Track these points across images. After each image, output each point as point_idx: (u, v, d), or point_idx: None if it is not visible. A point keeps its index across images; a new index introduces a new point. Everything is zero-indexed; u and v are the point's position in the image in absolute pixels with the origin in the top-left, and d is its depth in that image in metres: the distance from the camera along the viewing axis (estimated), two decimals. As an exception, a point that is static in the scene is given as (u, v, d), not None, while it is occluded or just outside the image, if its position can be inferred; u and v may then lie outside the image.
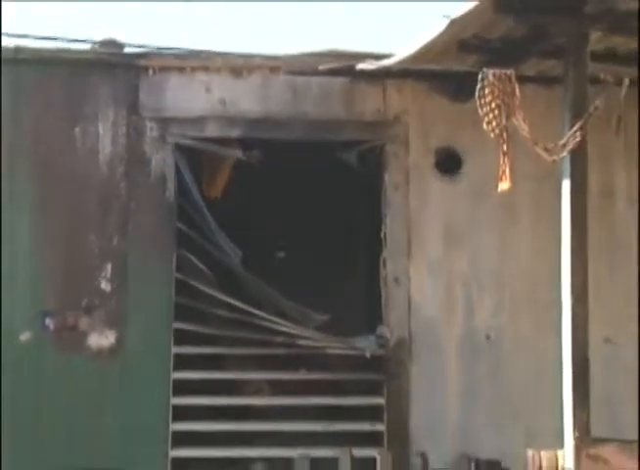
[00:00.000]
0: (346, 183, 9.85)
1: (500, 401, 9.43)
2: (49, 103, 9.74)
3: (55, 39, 10.12)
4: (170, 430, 9.62)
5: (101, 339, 9.60)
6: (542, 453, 7.52)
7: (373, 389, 9.85)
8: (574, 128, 7.09)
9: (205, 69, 9.97)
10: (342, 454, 9.08)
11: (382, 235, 9.87)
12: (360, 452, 9.23)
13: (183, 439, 9.65)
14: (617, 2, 7.23)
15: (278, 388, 9.91)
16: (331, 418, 9.76)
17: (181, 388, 9.73)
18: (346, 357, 9.82)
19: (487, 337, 9.67)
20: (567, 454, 7.02)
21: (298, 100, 9.88)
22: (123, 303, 9.66)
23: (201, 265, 9.75)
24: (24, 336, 9.48)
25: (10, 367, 9.39)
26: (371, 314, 9.80)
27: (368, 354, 9.75)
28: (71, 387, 9.49)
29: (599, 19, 7.35)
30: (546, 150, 7.10)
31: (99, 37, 10.00)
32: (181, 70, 9.96)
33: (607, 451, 6.96)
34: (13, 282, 9.47)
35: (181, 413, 9.70)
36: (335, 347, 9.75)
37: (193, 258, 9.74)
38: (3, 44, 9.88)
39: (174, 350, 9.74)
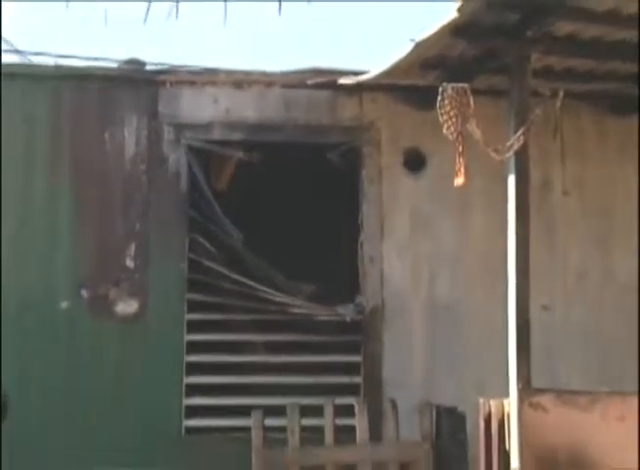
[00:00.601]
0: (330, 178, 9.87)
1: (457, 358, 9.49)
2: (84, 111, 9.78)
3: (88, 59, 10.18)
4: (184, 382, 9.70)
5: (126, 307, 9.65)
6: (491, 401, 7.59)
7: (352, 348, 9.90)
8: (518, 133, 7.17)
9: (213, 83, 10.03)
10: (326, 403, 9.14)
11: (359, 222, 9.95)
12: (341, 401, 9.32)
13: (194, 389, 9.72)
14: (552, 29, 7.32)
15: (273, 348, 9.94)
16: (317, 373, 9.80)
17: (193, 348, 9.79)
18: (330, 322, 9.86)
19: (446, 305, 9.74)
20: (511, 402, 7.09)
21: (290, 109, 9.95)
22: (145, 277, 9.72)
23: (209, 246, 9.78)
24: (64, 304, 9.53)
25: (51, 330, 9.50)
26: (351, 287, 9.82)
27: (348, 319, 9.82)
28: (102, 346, 9.57)
29: (538, 42, 7.42)
30: (495, 151, 7.18)
31: (124, 57, 10.07)
32: (193, 84, 10.02)
33: (545, 400, 7.01)
34: (55, 260, 9.57)
35: (193, 368, 9.75)
36: (321, 313, 9.80)
37: (202, 240, 9.78)
38: (46, 63, 9.97)
39: (187, 316, 9.82)
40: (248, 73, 10.11)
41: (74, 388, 9.29)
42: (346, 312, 9.84)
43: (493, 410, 7.59)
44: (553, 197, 9.39)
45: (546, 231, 8.05)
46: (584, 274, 9.84)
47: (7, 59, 10.15)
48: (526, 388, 7.05)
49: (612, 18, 7.26)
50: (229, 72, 10.14)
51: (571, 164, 9.45)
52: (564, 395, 7.16)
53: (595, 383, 8.34)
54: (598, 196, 9.97)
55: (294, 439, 9.03)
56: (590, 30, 7.51)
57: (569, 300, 9.45)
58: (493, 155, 7.21)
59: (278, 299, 9.72)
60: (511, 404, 7.09)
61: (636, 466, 6.88)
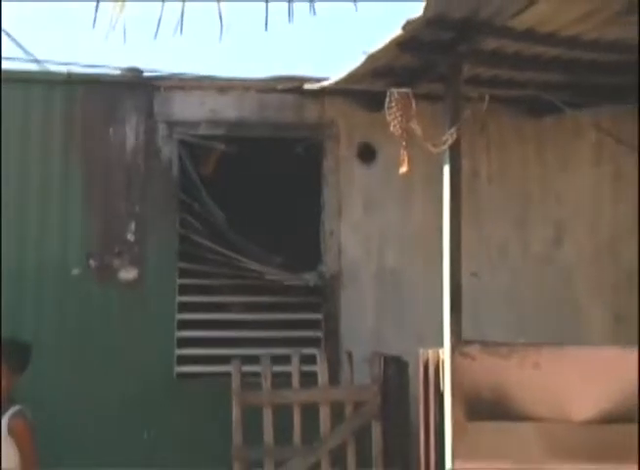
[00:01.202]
0: (297, 167, 9.88)
1: (401, 316, 9.55)
2: (92, 111, 9.75)
3: (94, 66, 10.19)
4: (176, 336, 9.73)
5: (127, 274, 9.65)
6: (429, 351, 7.63)
7: (314, 308, 9.93)
8: (451, 130, 7.18)
9: (200, 88, 10.02)
10: (293, 353, 9.23)
11: (321, 203, 9.99)
12: (305, 351, 9.42)
13: (184, 342, 9.75)
14: (480, 45, 7.36)
15: (250, 307, 9.99)
16: (286, 328, 9.86)
17: (183, 307, 9.83)
18: (297, 286, 9.90)
19: (392, 272, 9.80)
20: (445, 352, 7.14)
21: (263, 109, 9.96)
22: (142, 249, 9.72)
23: (196, 223, 9.77)
24: (75, 271, 9.52)
25: (63, 294, 9.54)
26: (314, 257, 9.84)
27: (311, 284, 9.84)
28: (107, 307, 9.59)
29: (468, 56, 7.45)
30: (433, 145, 7.20)
31: (125, 64, 10.06)
32: (182, 88, 10.01)
33: (472, 349, 7.05)
34: (68, 235, 9.57)
35: (183, 325, 9.78)
36: (289, 279, 9.82)
37: (191, 218, 9.78)
38: (58, 70, 10.00)
39: (178, 281, 9.84)
40: (228, 80, 10.10)
41: (83, 341, 9.33)
42: (310, 278, 9.87)
43: (430, 359, 7.62)
44: (480, 184, 9.46)
45: (474, 212, 8.10)
46: (505, 247, 9.92)
47: (26, 66, 10.20)
48: (457, 340, 7.09)
49: (529, 35, 7.30)
50: (213, 79, 10.13)
51: (495, 156, 9.56)
52: (488, 345, 7.21)
53: (514, 336, 8.43)
54: (516, 184, 10.05)
55: (266, 383, 9.14)
56: (511, 46, 7.55)
57: (492, 268, 9.55)
58: (431, 148, 7.23)
59: (254, 267, 9.75)
60: (445, 354, 7.14)
61: (550, 404, 6.96)
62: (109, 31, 2.94)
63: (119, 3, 2.83)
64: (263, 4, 2.98)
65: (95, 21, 2.88)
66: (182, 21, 3.22)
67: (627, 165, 10.24)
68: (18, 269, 9.49)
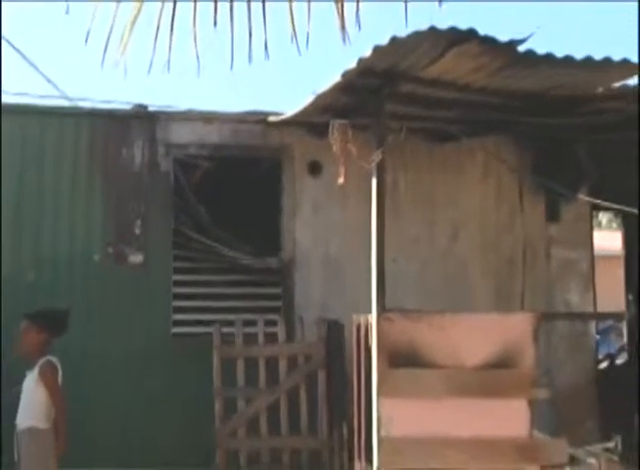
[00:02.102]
0: (263, 180, 9.91)
1: (341, 291, 9.60)
2: (109, 137, 9.79)
3: (110, 102, 10.21)
4: (172, 305, 9.77)
5: (135, 258, 9.66)
6: (361, 317, 7.70)
7: (275, 284, 9.98)
8: (377, 152, 7.24)
9: (190, 119, 10.04)
10: (259, 318, 9.31)
11: (281, 207, 10.03)
12: (268, 317, 9.51)
13: (179, 310, 9.78)
14: (399, 89, 7.42)
15: (227, 284, 9.96)
16: (254, 299, 9.87)
17: (177, 284, 9.86)
18: (263, 268, 9.91)
19: (334, 258, 9.84)
20: (372, 317, 7.16)
21: (238, 136, 9.99)
22: (146, 240, 9.75)
23: (186, 221, 9.82)
24: (96, 256, 9.55)
25: (86, 274, 9.56)
26: (275, 247, 9.87)
27: (273, 266, 9.90)
28: (120, 284, 9.62)
29: (390, 97, 7.51)
30: (365, 162, 7.29)
31: (134, 101, 10.10)
32: (177, 119, 10.04)
33: (392, 315, 7.06)
34: (90, 229, 9.63)
35: (177, 297, 9.82)
36: (257, 263, 9.86)
37: (183, 217, 9.82)
38: (84, 105, 10.04)
39: (173, 264, 9.86)
40: (211, 113, 10.11)
41: (103, 309, 9.36)
42: (272, 262, 9.89)
43: (362, 322, 7.68)
44: (398, 192, 9.53)
45: (394, 214, 8.13)
46: (417, 240, 9.99)
47: (57, 102, 10.21)
48: (381, 309, 7.13)
49: (435, 83, 7.37)
50: (200, 112, 10.14)
51: (410, 172, 9.72)
52: (404, 312, 7.24)
53: (423, 306, 8.54)
54: (425, 193, 10.10)
55: (239, 340, 9.22)
56: (422, 90, 7.61)
57: (407, 256, 9.61)
58: (364, 164, 7.30)
59: (230, 254, 9.78)
60: (372, 318, 7.14)
61: (449, 355, 7.03)
62: (116, 69, 2.99)
63: (123, 43, 2.88)
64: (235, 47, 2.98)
65: (103, 60, 2.91)
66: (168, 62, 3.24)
67: (507, 180, 10.38)
68: (53, 256, 9.56)
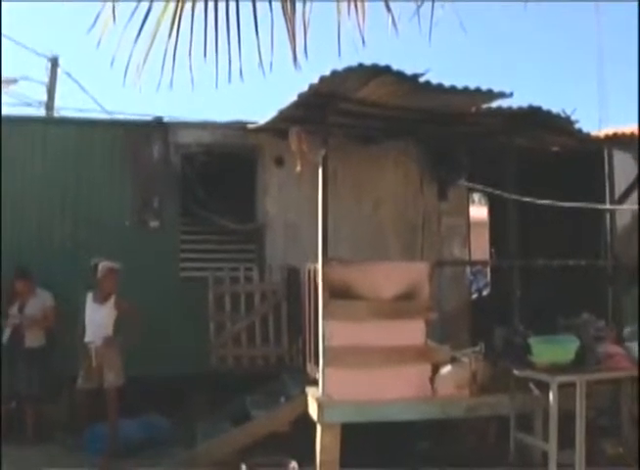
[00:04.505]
0: (243, 172, 9.82)
1: (297, 246, 9.43)
2: (136, 140, 9.62)
3: (137, 114, 10.05)
4: (180, 257, 9.63)
5: (155, 224, 9.55)
6: (311, 264, 7.70)
7: (252, 241, 9.85)
8: (322, 151, 7.20)
9: (192, 127, 9.94)
10: (241, 266, 9.25)
11: (256, 188, 9.94)
12: (246, 265, 9.42)
13: (185, 260, 9.66)
14: (337, 106, 7.33)
15: (220, 242, 9.84)
16: (237, 252, 9.77)
17: (184, 242, 9.72)
18: (243, 231, 9.86)
19: (292, 225, 9.75)
20: (320, 263, 7.07)
21: (226, 138, 9.84)
22: (162, 211, 9.61)
23: (190, 198, 9.68)
24: (127, 222, 9.44)
25: (121, 235, 9.36)
26: (252, 216, 9.81)
27: (251, 230, 9.82)
28: (144, 242, 9.48)
29: (331, 112, 7.43)
30: (314, 157, 7.20)
31: (154, 114, 9.98)
32: (183, 127, 9.92)
33: (334, 262, 7.07)
34: (123, 204, 9.49)
35: (184, 251, 9.70)
36: (239, 227, 9.79)
37: (187, 197, 9.68)
38: (119, 117, 9.91)
39: (181, 228, 9.72)
40: (206, 122, 10.02)
41: (132, 262, 8.94)
42: (250, 227, 9.81)
43: (312, 268, 7.67)
44: (338, 178, 9.39)
45: (334, 193, 7.95)
46: (351, 212, 9.90)
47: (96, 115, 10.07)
48: (325, 258, 7.06)
49: (362, 102, 7.32)
50: (199, 122, 10.08)
51: (346, 165, 9.62)
52: (341, 261, 7.23)
53: (355, 256, 8.51)
54: (356, 179, 10.02)
55: (226, 281, 9.15)
56: (353, 107, 7.52)
57: (344, 223, 9.39)
58: (313, 159, 7.20)
59: (221, 221, 9.69)
60: (320, 265, 7.07)
61: (372, 290, 6.97)
62: (135, 87, 2.87)
63: (139, 69, 2.77)
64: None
65: (124, 82, 2.80)
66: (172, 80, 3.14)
67: (412, 170, 10.32)
68: (99, 222, 9.41)
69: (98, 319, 8.08)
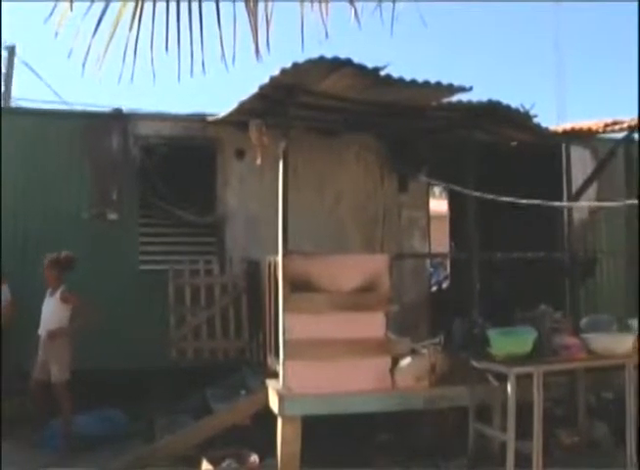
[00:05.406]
0: (204, 162, 9.75)
1: (257, 239, 9.38)
2: (95, 131, 9.49)
3: (97, 106, 9.92)
4: (139, 249, 9.56)
5: (112, 216, 9.42)
6: (272, 257, 7.68)
7: (212, 234, 9.82)
8: (283, 143, 7.15)
9: (151, 118, 9.87)
10: (201, 258, 9.20)
11: (216, 180, 9.88)
12: (207, 258, 9.37)
13: (144, 253, 9.58)
14: (298, 98, 7.27)
15: (178, 234, 9.81)
16: (198, 245, 9.74)
17: (143, 234, 9.64)
18: (203, 223, 9.81)
19: (253, 217, 9.70)
20: (279, 256, 7.06)
21: (186, 130, 9.78)
22: (121, 203, 9.49)
23: (148, 189, 9.60)
24: (85, 215, 9.30)
25: (78, 227, 9.24)
26: (212, 208, 9.76)
27: (211, 222, 9.79)
28: (102, 235, 9.35)
29: (292, 104, 7.38)
30: (275, 149, 7.16)
31: (113, 105, 9.82)
32: (142, 118, 9.83)
33: (293, 256, 7.04)
34: (82, 196, 9.35)
35: (143, 243, 9.61)
36: (199, 219, 9.75)
37: (145, 186, 9.60)
38: (78, 108, 9.76)
39: (140, 220, 9.63)
40: (167, 114, 9.96)
41: (91, 253, 9.04)
42: (210, 219, 9.77)
43: (272, 261, 7.66)
44: (298, 170, 9.33)
45: (295, 185, 7.84)
46: (311, 205, 9.89)
47: (55, 106, 9.91)
48: (285, 251, 7.04)
49: (323, 95, 7.30)
50: (159, 113, 10.00)
51: (306, 156, 9.60)
52: (301, 253, 7.18)
53: (315, 249, 8.51)
54: (317, 171, 10.03)
55: (186, 274, 9.09)
56: (314, 100, 7.49)
57: (304, 215, 9.25)
58: (274, 151, 7.17)
59: (180, 213, 9.63)
60: (280, 257, 7.06)
61: (331, 283, 6.98)
62: (95, 78, 2.83)
63: (99, 60, 2.73)
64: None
65: (84, 67, 2.75)
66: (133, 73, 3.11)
67: (372, 163, 10.37)
68: (56, 215, 9.28)
69: (46, 312, 7.99)
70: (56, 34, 2.63)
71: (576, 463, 6.93)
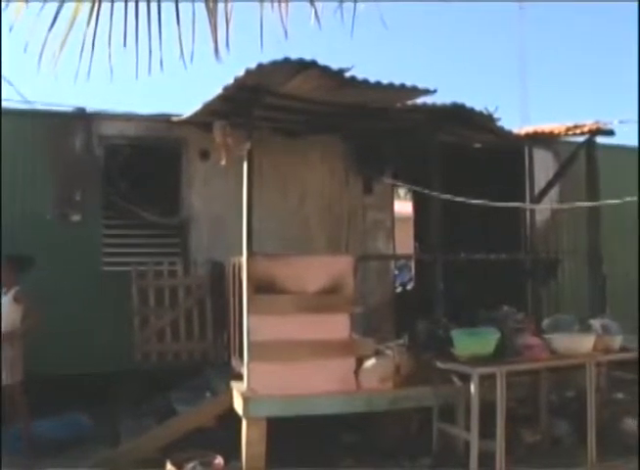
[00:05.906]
0: (169, 163, 9.70)
1: (222, 240, 9.34)
2: (58, 131, 9.37)
3: (60, 105, 9.76)
4: (102, 251, 9.46)
5: (76, 218, 9.30)
6: (236, 258, 7.61)
7: (176, 235, 9.79)
8: (247, 144, 7.12)
9: (115, 118, 9.71)
10: (165, 260, 9.12)
11: (180, 181, 9.82)
12: (171, 259, 9.31)
13: (107, 254, 9.50)
14: (262, 100, 7.28)
15: (142, 236, 9.76)
16: (161, 247, 9.71)
17: (106, 236, 9.56)
18: (167, 224, 9.76)
19: (217, 217, 9.66)
20: (244, 258, 7.01)
21: (150, 130, 9.69)
22: (84, 204, 9.36)
23: (112, 190, 9.52)
24: (48, 216, 9.15)
25: (41, 229, 9.09)
26: (176, 209, 9.70)
27: (175, 223, 9.73)
28: (65, 236, 9.21)
29: (256, 105, 7.40)
30: (239, 150, 7.15)
31: (77, 105, 9.64)
32: (106, 118, 9.68)
33: (257, 257, 6.99)
34: (45, 197, 9.20)
35: (106, 245, 9.53)
36: (163, 221, 9.71)
37: (109, 188, 9.51)
38: (39, 107, 9.57)
39: (103, 222, 9.54)
40: (131, 114, 9.81)
41: (53, 255, 8.92)
42: (174, 220, 9.71)
43: (236, 262, 7.60)
44: (263, 171, 9.10)
45: (259, 187, 7.76)
46: (276, 206, 9.88)
47: (18, 105, 9.69)
48: (250, 252, 7.02)
49: (287, 96, 7.32)
50: (123, 113, 9.82)
51: (271, 158, 9.57)
52: (265, 255, 7.14)
53: (280, 250, 8.50)
54: (282, 172, 10.04)
55: (150, 275, 8.99)
56: (278, 101, 7.51)
57: (269, 217, 9.29)
58: (238, 152, 7.14)
59: (144, 214, 9.56)
60: (244, 259, 7.02)
61: (296, 284, 6.95)
62: (53, 76, 2.77)
63: (56, 57, 2.67)
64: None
65: (39, 69, 2.69)
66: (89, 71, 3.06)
67: (337, 164, 10.40)
68: (20, 216, 9.11)
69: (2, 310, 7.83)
70: (11, 28, 2.56)
71: (539, 461, 6.99)
